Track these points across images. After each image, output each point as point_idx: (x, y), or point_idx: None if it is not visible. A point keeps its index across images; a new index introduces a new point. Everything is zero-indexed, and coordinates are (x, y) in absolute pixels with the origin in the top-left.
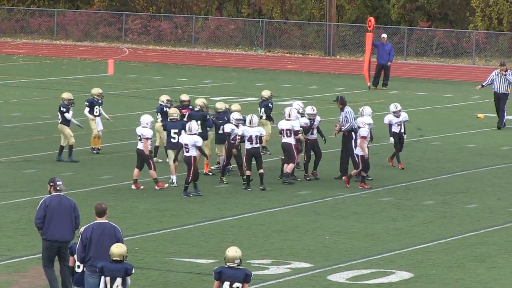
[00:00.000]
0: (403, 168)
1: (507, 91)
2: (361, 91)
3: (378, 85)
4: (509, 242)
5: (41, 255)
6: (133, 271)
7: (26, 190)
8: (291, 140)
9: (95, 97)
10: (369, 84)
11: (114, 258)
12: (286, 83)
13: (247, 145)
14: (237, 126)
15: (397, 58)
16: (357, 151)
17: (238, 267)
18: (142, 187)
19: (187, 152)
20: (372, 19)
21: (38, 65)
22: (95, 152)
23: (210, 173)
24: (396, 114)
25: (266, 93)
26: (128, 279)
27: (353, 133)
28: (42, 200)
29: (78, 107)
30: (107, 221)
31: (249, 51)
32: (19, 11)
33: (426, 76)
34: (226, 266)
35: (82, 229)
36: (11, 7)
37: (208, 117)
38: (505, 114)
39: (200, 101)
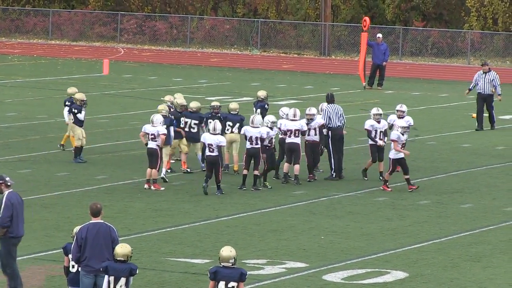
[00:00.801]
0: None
1: (492, 92)
2: (356, 91)
3: (373, 85)
4: (504, 241)
5: (35, 255)
6: (137, 272)
7: (21, 190)
8: (299, 140)
9: (73, 97)
10: (364, 84)
11: (118, 258)
12: (282, 83)
13: (248, 145)
14: (271, 129)
15: (392, 58)
16: (391, 154)
17: (233, 266)
18: (162, 188)
19: (211, 152)
20: (367, 19)
21: (33, 65)
22: (61, 148)
23: (188, 170)
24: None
25: (262, 94)
26: (131, 279)
27: (329, 132)
28: (5, 199)
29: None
30: (102, 221)
31: (244, 51)
32: (14, 11)
33: (421, 76)
34: (221, 266)
35: (77, 229)
36: (6, 6)
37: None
38: (494, 113)
39: (195, 104)
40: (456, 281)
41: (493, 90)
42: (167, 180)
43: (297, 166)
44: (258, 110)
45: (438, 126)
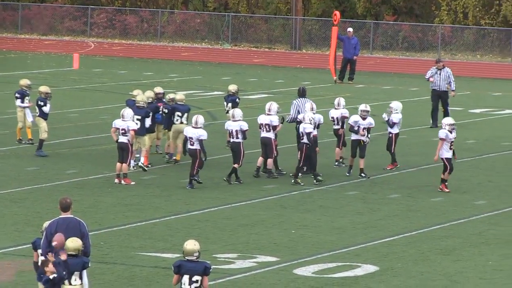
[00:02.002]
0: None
1: (447, 88)
2: (327, 85)
3: (344, 79)
4: (474, 235)
5: (4, 250)
6: (89, 265)
7: None
8: (271, 135)
9: (23, 88)
10: (335, 78)
11: (69, 252)
12: (253, 77)
13: (230, 140)
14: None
15: (363, 52)
16: (442, 154)
17: (197, 260)
18: (133, 183)
19: (191, 145)
20: (338, 13)
21: (2, 59)
22: (23, 142)
23: (150, 165)
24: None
25: (233, 88)
26: (85, 274)
27: (298, 126)
28: None
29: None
30: (72, 216)
31: (215, 45)
32: None
33: (392, 70)
34: (185, 259)
35: (46, 224)
36: None
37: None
38: (449, 110)
39: (181, 96)
40: (427, 274)
41: (448, 86)
42: (146, 169)
43: (269, 160)
44: (229, 104)
45: (409, 120)
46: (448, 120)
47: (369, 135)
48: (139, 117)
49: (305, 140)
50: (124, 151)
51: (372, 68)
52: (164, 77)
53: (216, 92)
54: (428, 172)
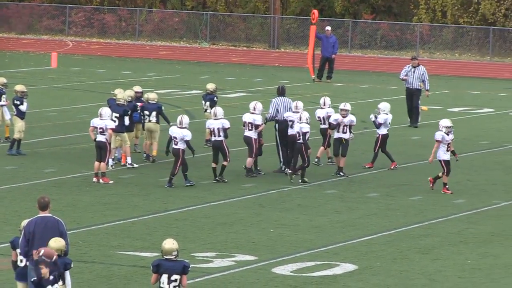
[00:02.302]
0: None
1: (420, 86)
2: (306, 83)
3: (322, 77)
4: (453, 233)
5: None
6: (72, 265)
7: None
8: (252, 134)
9: (15, 89)
10: (313, 76)
11: None
12: (231, 76)
13: (212, 138)
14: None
15: (342, 50)
16: (440, 155)
17: (176, 259)
18: (111, 182)
19: (175, 144)
20: (316, 11)
21: None
22: (1, 141)
23: (128, 165)
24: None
25: (211, 86)
26: (68, 275)
27: (276, 124)
28: None
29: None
30: (50, 214)
31: (193, 44)
32: None
33: (370, 69)
34: (164, 258)
35: (24, 222)
36: None
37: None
38: (419, 111)
39: (154, 95)
40: (406, 273)
41: (421, 85)
42: (135, 165)
43: (249, 159)
44: (207, 103)
45: None
46: (445, 122)
47: (352, 133)
48: (117, 115)
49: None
50: (102, 150)
51: (351, 66)
52: (142, 76)
53: (194, 91)
54: (406, 171)
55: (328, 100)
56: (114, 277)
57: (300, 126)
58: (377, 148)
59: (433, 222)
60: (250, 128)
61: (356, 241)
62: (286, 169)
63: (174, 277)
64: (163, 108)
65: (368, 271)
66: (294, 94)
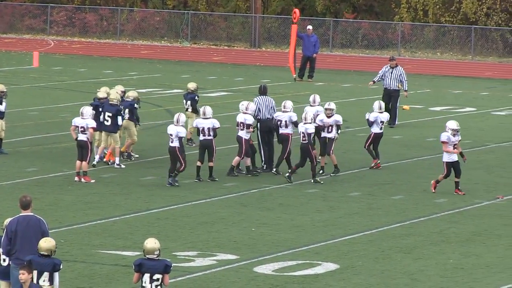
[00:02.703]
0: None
1: (398, 87)
2: (287, 83)
3: (303, 77)
4: (435, 233)
5: None
6: (61, 267)
7: None
8: (243, 134)
9: None
10: (294, 76)
11: (42, 252)
12: (212, 75)
13: (200, 137)
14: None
15: (323, 50)
16: (444, 157)
17: (158, 258)
18: (93, 181)
19: (171, 142)
20: (297, 11)
21: None
22: None
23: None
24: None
25: (192, 86)
26: (56, 276)
27: (258, 124)
28: None
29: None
30: (32, 213)
31: (174, 43)
32: None
33: (351, 68)
34: (146, 258)
35: (6, 221)
36: None
37: (137, 106)
38: (397, 112)
39: (132, 93)
40: (387, 272)
41: (400, 85)
42: (123, 166)
43: (236, 158)
44: (188, 102)
45: None
46: (452, 124)
47: (338, 132)
48: (110, 114)
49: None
50: (83, 149)
51: (332, 66)
52: (124, 75)
53: (175, 90)
54: (388, 171)
55: (317, 98)
56: (96, 276)
57: (305, 126)
58: (367, 144)
59: (415, 221)
60: (242, 128)
61: (338, 241)
62: (273, 169)
63: (156, 276)
64: (136, 106)
65: (350, 270)
66: (275, 93)
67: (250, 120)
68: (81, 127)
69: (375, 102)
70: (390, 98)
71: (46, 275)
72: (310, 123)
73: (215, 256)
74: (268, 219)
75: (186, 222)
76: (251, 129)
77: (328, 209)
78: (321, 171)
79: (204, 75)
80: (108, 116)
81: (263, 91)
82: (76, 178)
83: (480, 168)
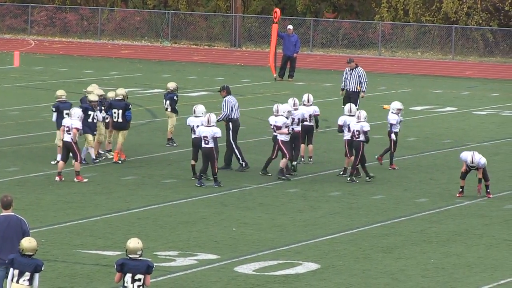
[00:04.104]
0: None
1: (357, 89)
2: (267, 82)
3: (284, 76)
4: (416, 233)
5: None
6: (43, 268)
7: None
8: (281, 136)
9: None
10: (275, 75)
11: (25, 253)
12: (192, 75)
13: (202, 144)
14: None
15: (303, 49)
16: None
17: (140, 258)
18: (85, 180)
19: (206, 144)
20: (277, 10)
21: None
22: None
23: (120, 162)
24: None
25: (171, 85)
26: (37, 277)
27: (230, 123)
28: None
29: None
30: (13, 213)
31: (155, 42)
32: None
33: (332, 67)
34: (128, 257)
35: None
36: None
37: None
38: None
39: (122, 91)
40: (368, 272)
41: (359, 87)
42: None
43: (284, 160)
44: (167, 102)
45: None
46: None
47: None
48: (120, 111)
49: (361, 138)
50: (69, 150)
51: (312, 65)
52: (104, 74)
53: (156, 90)
54: (369, 170)
55: (311, 97)
56: (77, 275)
57: (361, 124)
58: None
59: (395, 221)
60: (275, 129)
61: (319, 240)
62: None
63: (138, 276)
64: (175, 98)
65: (331, 270)
66: (255, 93)
67: (280, 121)
68: (67, 127)
69: (394, 102)
70: (350, 99)
71: (27, 275)
72: (365, 121)
73: (196, 255)
74: (249, 219)
75: (167, 221)
76: (286, 130)
77: (309, 209)
78: (341, 173)
79: (185, 74)
80: (116, 113)
81: (229, 91)
82: (57, 178)
83: (460, 167)
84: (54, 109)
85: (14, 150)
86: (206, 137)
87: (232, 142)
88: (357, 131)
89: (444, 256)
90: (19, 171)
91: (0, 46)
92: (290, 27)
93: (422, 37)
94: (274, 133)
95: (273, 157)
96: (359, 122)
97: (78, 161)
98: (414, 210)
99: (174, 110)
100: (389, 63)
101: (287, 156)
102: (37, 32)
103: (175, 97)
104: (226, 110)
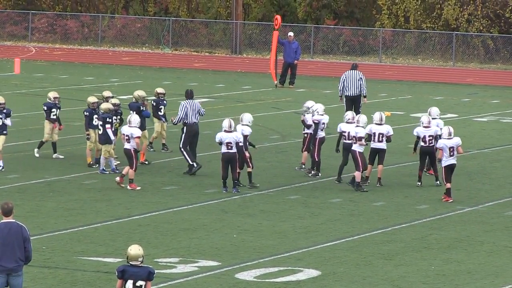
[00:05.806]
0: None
1: (359, 93)
2: (268, 89)
3: (284, 83)
4: (417, 239)
5: None
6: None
7: None
8: (356, 147)
9: None
10: (275, 82)
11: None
12: (193, 82)
13: (223, 150)
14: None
15: (304, 56)
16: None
17: (141, 265)
18: (138, 188)
19: (229, 149)
20: (278, 17)
21: None
22: None
23: (146, 162)
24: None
25: (160, 90)
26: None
27: (185, 127)
28: None
29: None
30: (14, 220)
31: (155, 49)
32: None
33: (332, 74)
34: (129, 264)
35: None
36: None
37: (143, 108)
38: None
39: (136, 93)
40: (369, 279)
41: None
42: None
43: (357, 173)
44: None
45: None
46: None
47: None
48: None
49: (384, 144)
50: (128, 158)
51: (313, 72)
52: (105, 81)
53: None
54: (369, 177)
55: (383, 116)
56: (78, 282)
57: (356, 131)
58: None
59: (396, 227)
60: (354, 141)
61: (319, 247)
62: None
63: (139, 283)
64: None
65: (332, 277)
66: (256, 99)
67: (362, 133)
68: (126, 135)
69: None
70: (353, 105)
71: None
72: (363, 127)
73: (197, 262)
74: (250, 226)
75: (168, 228)
76: (363, 142)
77: (310, 216)
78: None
79: (185, 81)
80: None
81: (189, 96)
82: (118, 179)
83: (461, 174)
84: (87, 113)
85: (15, 157)
86: (230, 143)
87: (181, 145)
88: (353, 137)
89: (445, 262)
90: (19, 178)
91: (0, 53)
92: (290, 34)
93: (423, 44)
94: (346, 141)
95: (345, 164)
96: (357, 126)
97: (133, 169)
98: (415, 216)
99: (157, 116)
100: (389, 70)
101: (361, 169)
102: (38, 39)
103: (164, 102)
104: (179, 114)
